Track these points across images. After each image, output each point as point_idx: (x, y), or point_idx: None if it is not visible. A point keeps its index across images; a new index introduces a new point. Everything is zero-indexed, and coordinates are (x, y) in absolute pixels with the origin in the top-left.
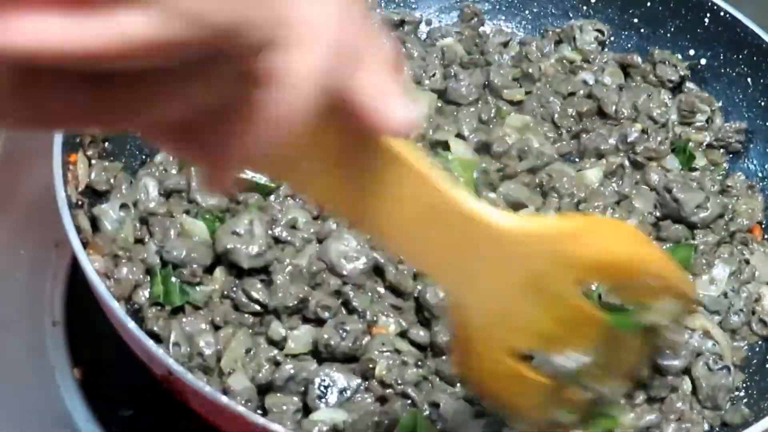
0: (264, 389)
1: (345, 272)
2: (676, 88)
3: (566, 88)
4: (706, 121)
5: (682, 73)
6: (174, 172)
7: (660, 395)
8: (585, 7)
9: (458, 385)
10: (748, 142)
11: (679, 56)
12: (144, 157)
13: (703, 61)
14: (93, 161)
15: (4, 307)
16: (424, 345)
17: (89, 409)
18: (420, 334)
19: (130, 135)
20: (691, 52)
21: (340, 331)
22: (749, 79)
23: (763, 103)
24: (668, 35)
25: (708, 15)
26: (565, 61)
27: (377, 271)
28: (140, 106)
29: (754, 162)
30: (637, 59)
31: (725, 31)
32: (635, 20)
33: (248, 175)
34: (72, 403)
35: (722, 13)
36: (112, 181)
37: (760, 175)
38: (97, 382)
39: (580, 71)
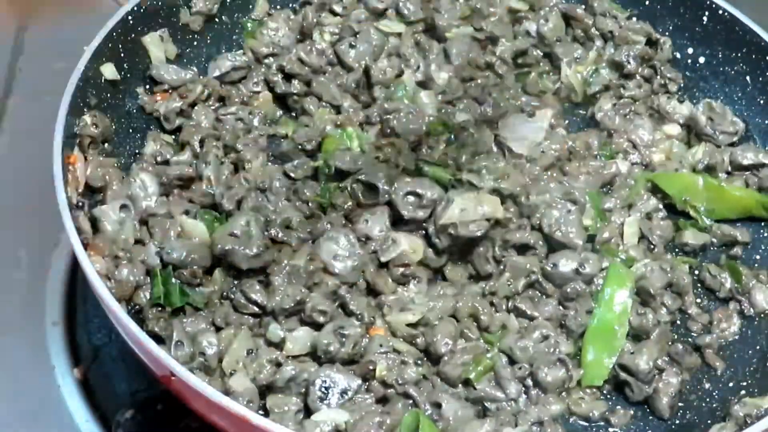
0: (265, 390)
1: (336, 271)
2: (653, 45)
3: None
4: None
5: (622, 24)
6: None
7: (636, 398)
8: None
9: (460, 385)
10: (747, 139)
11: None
12: (136, 151)
13: (701, 60)
14: (89, 158)
15: (4, 307)
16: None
17: (89, 409)
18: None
19: (130, 134)
20: (690, 50)
21: (339, 337)
22: (748, 77)
23: (761, 101)
24: (667, 33)
25: (707, 13)
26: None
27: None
28: None
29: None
30: (580, 12)
31: (724, 30)
32: (634, 19)
33: None
34: (72, 403)
35: (721, 12)
36: (107, 177)
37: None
38: (97, 382)
39: (525, 21)
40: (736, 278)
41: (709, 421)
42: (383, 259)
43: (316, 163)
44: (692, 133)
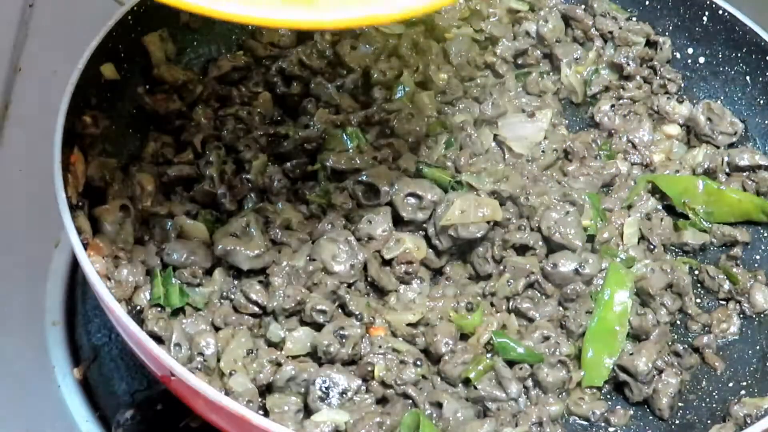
0: (265, 390)
1: (335, 270)
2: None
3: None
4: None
5: (621, 24)
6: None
7: (636, 399)
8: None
9: (460, 385)
10: (746, 140)
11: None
12: (137, 152)
13: (701, 60)
14: (90, 158)
15: (4, 307)
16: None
17: (89, 409)
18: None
19: (130, 134)
20: (690, 50)
21: (339, 338)
22: (748, 77)
23: (761, 101)
24: (667, 33)
25: (707, 13)
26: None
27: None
28: None
29: None
30: (580, 12)
31: (724, 30)
32: (634, 19)
33: None
34: (72, 403)
35: (721, 12)
36: (107, 177)
37: None
38: (97, 382)
39: (524, 21)
40: (733, 281)
41: (708, 421)
42: (387, 257)
43: (315, 166)
44: (692, 133)
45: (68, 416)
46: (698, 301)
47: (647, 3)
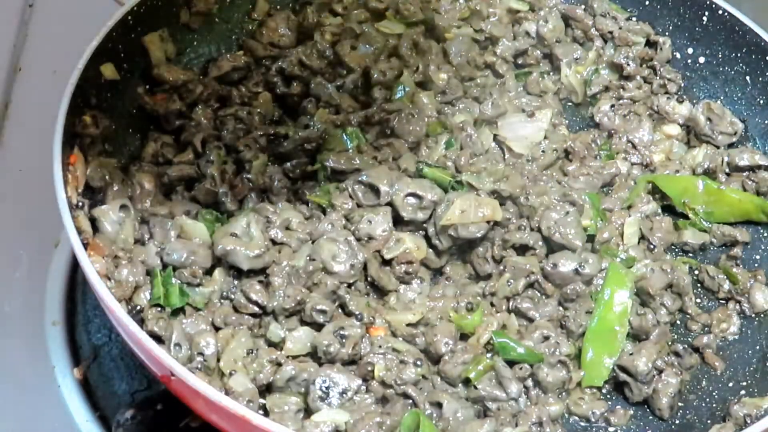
0: (265, 390)
1: (335, 270)
2: (652, 46)
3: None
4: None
5: (621, 24)
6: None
7: (636, 399)
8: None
9: (460, 385)
10: (746, 140)
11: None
12: (136, 151)
13: (701, 60)
14: (89, 158)
15: (4, 307)
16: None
17: (89, 409)
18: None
19: (130, 134)
20: (690, 50)
21: (339, 338)
22: (748, 77)
23: (761, 101)
24: (667, 33)
25: (707, 13)
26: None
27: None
28: None
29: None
30: (580, 12)
31: (724, 30)
32: (634, 19)
33: None
34: (72, 403)
35: (721, 12)
36: (107, 177)
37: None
38: (97, 382)
39: (524, 21)
40: (733, 280)
41: (708, 421)
42: (387, 256)
43: (315, 166)
44: (692, 133)
45: (68, 416)
46: (698, 301)
47: (647, 3)
